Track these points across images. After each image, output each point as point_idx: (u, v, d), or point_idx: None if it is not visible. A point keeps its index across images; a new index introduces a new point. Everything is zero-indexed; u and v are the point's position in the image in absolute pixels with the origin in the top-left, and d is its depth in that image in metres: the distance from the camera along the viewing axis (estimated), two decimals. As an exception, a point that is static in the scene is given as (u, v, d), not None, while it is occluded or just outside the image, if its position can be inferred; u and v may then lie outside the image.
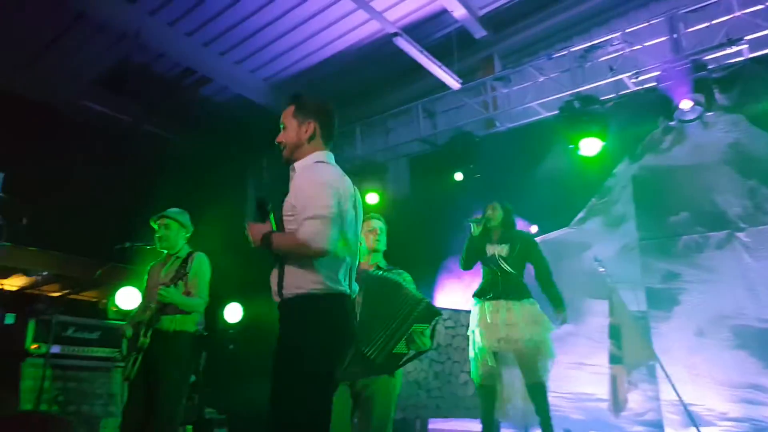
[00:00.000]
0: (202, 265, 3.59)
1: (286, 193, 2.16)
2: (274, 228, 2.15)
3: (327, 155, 2.24)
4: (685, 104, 4.75)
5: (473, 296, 4.13)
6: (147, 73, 6.78)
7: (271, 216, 2.19)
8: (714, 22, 4.82)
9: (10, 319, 4.43)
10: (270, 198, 2.25)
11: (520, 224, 4.48)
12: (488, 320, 3.89)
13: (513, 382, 4.05)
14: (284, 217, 2.11)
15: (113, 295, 4.95)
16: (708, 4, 4.82)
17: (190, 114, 7.45)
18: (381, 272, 3.14)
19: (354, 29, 6.37)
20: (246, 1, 5.89)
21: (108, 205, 6.23)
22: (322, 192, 2.04)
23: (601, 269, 4.71)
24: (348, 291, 2.14)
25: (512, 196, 4.42)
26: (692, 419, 4.34)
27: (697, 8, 4.87)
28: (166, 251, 3.65)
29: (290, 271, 2.06)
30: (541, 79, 5.72)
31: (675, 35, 5.00)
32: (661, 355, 4.56)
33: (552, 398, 3.98)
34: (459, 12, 6.13)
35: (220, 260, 3.73)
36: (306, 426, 1.94)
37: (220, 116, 7.39)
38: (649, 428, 4.86)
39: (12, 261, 6.05)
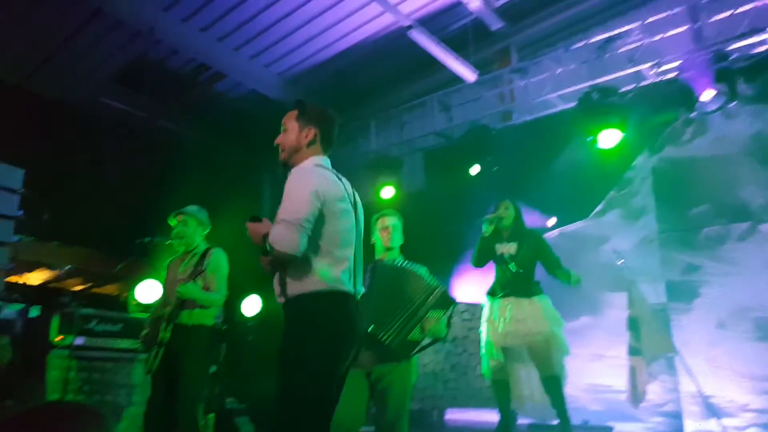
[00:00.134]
0: (219, 261, 3.63)
1: None
2: None
3: (323, 159, 2.29)
4: (707, 95, 4.67)
5: (486, 294, 4.24)
6: (162, 70, 6.82)
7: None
8: (737, 11, 4.72)
9: (34, 312, 4.52)
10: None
11: (538, 217, 4.47)
12: (496, 316, 4.03)
13: (529, 375, 4.12)
14: None
15: (134, 289, 5.03)
16: (730, -7, 4.73)
17: (205, 110, 7.49)
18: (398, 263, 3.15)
19: (368, 22, 6.34)
20: (260, -5, 5.89)
21: (127, 201, 6.31)
22: (300, 198, 2.08)
23: (620, 261, 4.68)
24: (351, 290, 2.18)
25: (530, 190, 4.42)
26: (712, 411, 4.31)
27: (719, -3, 4.78)
28: (183, 248, 3.69)
29: (292, 272, 2.11)
30: (559, 70, 5.65)
31: (697, 25, 4.90)
32: (681, 347, 4.53)
33: (571, 390, 4.00)
34: (474, 3, 6.06)
35: (238, 254, 3.76)
36: (307, 423, 1.98)
37: (235, 112, 7.42)
38: (668, 419, 4.84)
39: (35, 255, 6.18)
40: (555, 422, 3.93)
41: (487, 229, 4.13)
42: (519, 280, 4.03)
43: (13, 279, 4.44)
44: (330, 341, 2.04)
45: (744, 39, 4.65)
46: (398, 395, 2.95)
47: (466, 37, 6.45)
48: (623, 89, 5.19)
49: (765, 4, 4.62)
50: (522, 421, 4.59)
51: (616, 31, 5.28)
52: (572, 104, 5.41)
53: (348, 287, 2.16)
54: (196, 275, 3.44)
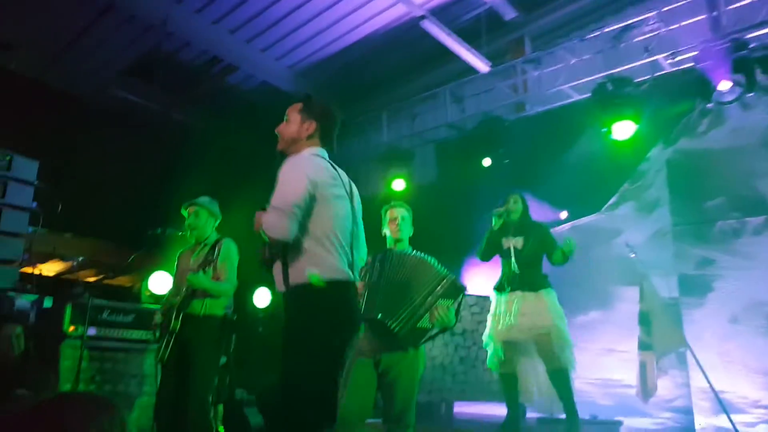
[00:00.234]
0: (229, 251, 3.65)
1: None
2: None
3: (320, 150, 2.32)
4: (724, 85, 4.57)
5: (493, 289, 4.24)
6: (175, 62, 6.85)
7: None
8: (756, -2, 4.62)
9: (48, 302, 4.58)
10: None
11: (550, 210, 4.44)
12: (501, 310, 4.05)
13: (536, 369, 4.12)
14: None
15: (146, 279, 5.08)
16: (749, -19, 4.62)
17: (217, 102, 7.51)
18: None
19: (380, 13, 6.29)
20: (271, -13, 5.88)
21: (139, 193, 6.37)
22: (291, 184, 2.13)
23: (633, 255, 4.63)
24: (351, 278, 2.21)
25: (542, 182, 4.38)
26: (723, 406, 4.26)
27: (737, -15, 4.67)
28: (195, 239, 3.72)
29: (292, 261, 2.13)
30: (573, 60, 5.58)
31: (714, 13, 4.80)
32: (693, 342, 4.47)
33: (580, 384, 3.98)
34: (488, -7, 6.00)
35: (248, 246, 3.77)
36: (313, 411, 2.00)
37: (247, 104, 7.43)
38: (678, 415, 4.80)
39: (49, 246, 6.26)
40: (563, 416, 3.91)
41: (496, 222, 4.14)
42: (525, 275, 4.04)
43: (27, 270, 4.49)
44: (331, 329, 2.07)
45: (763, 27, 4.55)
46: (406, 387, 2.95)
47: (479, 27, 6.38)
48: (638, 79, 5.10)
49: (785, -9, 4.51)
50: (531, 414, 4.58)
51: (631, 20, 5.19)
52: (586, 95, 5.34)
53: (347, 275, 2.18)
54: (207, 265, 3.47)
